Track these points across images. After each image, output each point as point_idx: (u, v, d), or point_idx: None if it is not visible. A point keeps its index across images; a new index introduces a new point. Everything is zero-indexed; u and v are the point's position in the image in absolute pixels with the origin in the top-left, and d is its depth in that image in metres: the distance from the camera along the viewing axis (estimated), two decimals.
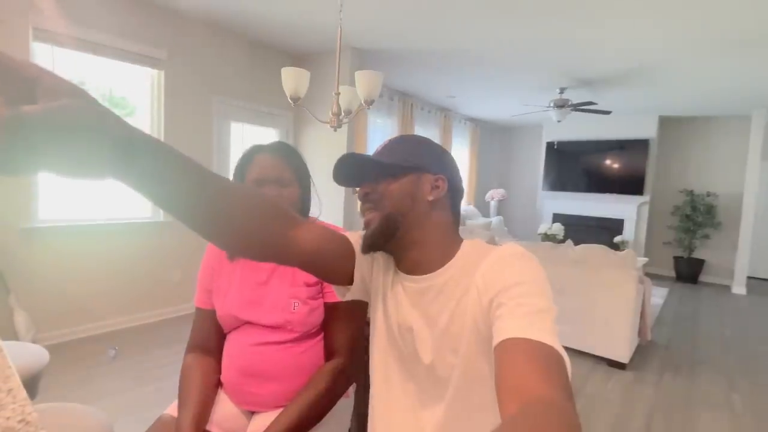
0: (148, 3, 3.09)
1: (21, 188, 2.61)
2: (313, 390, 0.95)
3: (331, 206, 4.02)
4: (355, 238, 0.78)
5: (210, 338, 1.05)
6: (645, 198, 6.13)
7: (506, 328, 0.55)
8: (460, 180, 0.77)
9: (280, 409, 0.96)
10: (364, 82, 1.82)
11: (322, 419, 0.96)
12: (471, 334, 0.65)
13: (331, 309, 1.03)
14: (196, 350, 1.05)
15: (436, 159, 0.74)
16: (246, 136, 3.94)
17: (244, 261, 1.05)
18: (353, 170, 0.74)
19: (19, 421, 0.59)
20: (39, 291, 2.70)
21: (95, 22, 2.84)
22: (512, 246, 0.68)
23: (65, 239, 2.82)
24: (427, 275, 0.71)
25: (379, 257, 0.79)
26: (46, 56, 2.69)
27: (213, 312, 1.05)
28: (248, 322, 1.01)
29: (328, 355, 1.03)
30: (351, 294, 0.79)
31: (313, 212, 1.10)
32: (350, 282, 0.77)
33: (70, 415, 0.95)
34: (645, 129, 6.10)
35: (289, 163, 1.03)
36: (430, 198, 0.71)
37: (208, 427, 0.97)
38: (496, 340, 0.55)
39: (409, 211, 0.70)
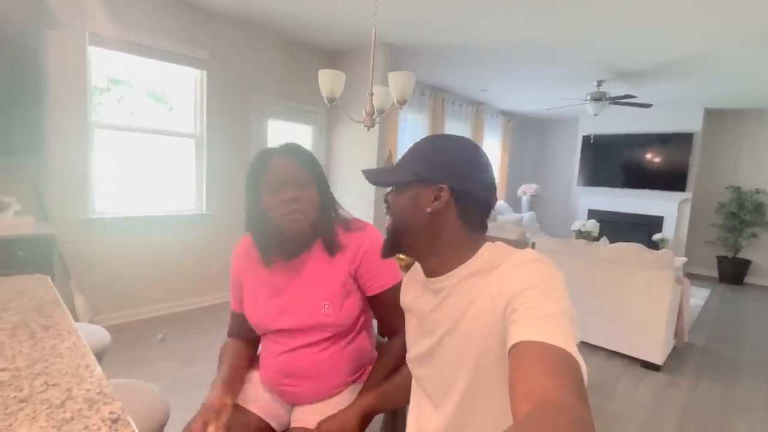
0: (192, 7, 3.25)
1: (80, 182, 2.84)
2: (384, 365, 1.03)
3: (362, 201, 4.11)
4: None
5: (246, 332, 1.14)
6: (687, 194, 5.86)
7: (519, 332, 0.55)
8: (477, 186, 0.73)
9: (321, 402, 1.02)
10: (397, 83, 1.87)
11: (403, 389, 0.99)
12: (481, 339, 0.67)
13: (376, 299, 1.06)
14: (234, 337, 1.17)
15: (446, 168, 0.73)
16: (282, 133, 4.08)
17: (269, 269, 1.07)
18: (376, 175, 0.82)
19: (98, 393, 0.70)
20: (95, 277, 2.93)
21: (144, 26, 3.01)
22: (528, 252, 0.69)
23: (119, 230, 3.04)
24: (440, 277, 0.75)
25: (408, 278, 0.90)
26: (101, 59, 2.89)
27: (244, 316, 1.11)
28: (279, 330, 1.03)
29: (389, 335, 1.10)
30: None
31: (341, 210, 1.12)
32: None
33: (132, 391, 1.07)
34: (689, 122, 5.82)
35: (303, 163, 1.01)
36: (429, 210, 0.72)
37: (247, 406, 1.04)
38: (509, 344, 0.56)
39: (409, 223, 0.74)
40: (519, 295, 0.60)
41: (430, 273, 0.76)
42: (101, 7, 2.80)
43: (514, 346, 0.54)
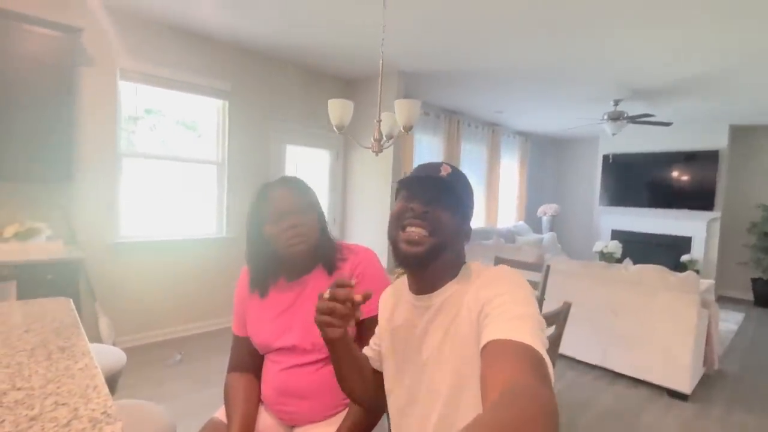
0: (216, 41, 3.44)
1: (107, 208, 2.98)
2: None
3: (374, 222, 4.15)
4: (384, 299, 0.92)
5: (248, 360, 1.14)
6: (716, 214, 5.66)
7: (490, 333, 0.60)
8: None
9: (319, 423, 1.04)
10: (403, 110, 1.93)
11: (377, 421, 1.03)
12: (461, 349, 0.71)
13: (361, 324, 1.06)
14: (237, 370, 1.15)
15: (472, 203, 0.83)
16: (300, 157, 4.19)
17: (272, 290, 1.12)
18: (429, 185, 0.77)
19: (102, 413, 0.73)
20: (120, 299, 3.04)
21: (170, 62, 3.20)
22: (501, 267, 0.75)
23: (143, 253, 3.17)
24: (428, 295, 0.79)
25: (384, 300, 0.91)
26: (130, 92, 3.08)
27: (247, 339, 1.14)
28: (280, 348, 1.08)
29: None
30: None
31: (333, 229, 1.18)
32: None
33: (140, 412, 1.11)
34: (713, 139, 5.66)
35: (301, 193, 1.08)
36: (465, 243, 0.81)
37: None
38: (482, 344, 0.60)
39: (450, 244, 0.77)
40: (490, 301, 0.66)
41: (420, 290, 0.80)
42: (130, 45, 3.01)
43: (486, 344, 0.59)
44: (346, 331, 0.79)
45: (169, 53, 3.20)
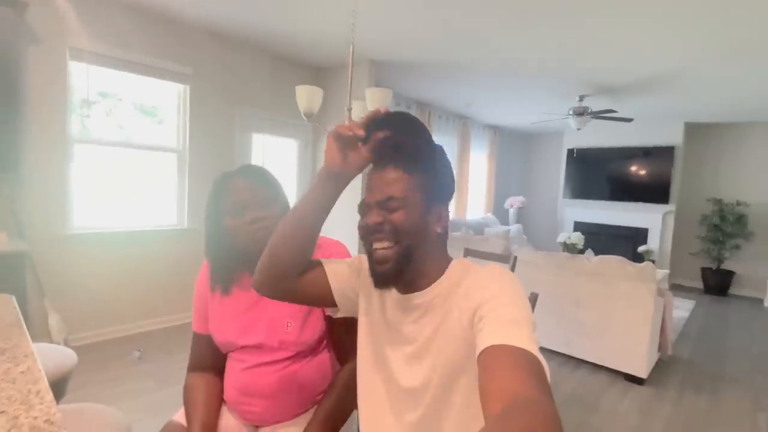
0: (176, 22, 3.26)
1: (58, 197, 2.79)
2: (335, 392, 1.00)
3: (345, 215, 4.10)
4: (355, 263, 0.84)
5: (209, 359, 1.08)
6: (671, 207, 5.96)
7: (488, 337, 0.58)
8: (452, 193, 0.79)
9: (286, 422, 1.01)
10: (374, 98, 1.89)
11: (348, 417, 1.00)
12: (449, 351, 0.69)
13: (332, 318, 1.05)
14: (197, 369, 1.09)
15: (445, 185, 0.76)
16: (267, 146, 4.07)
17: (236, 285, 1.06)
18: (377, 189, 0.72)
19: (45, 421, 0.67)
20: (71, 294, 2.86)
21: (125, 42, 3.01)
22: (492, 265, 0.72)
23: (97, 246, 2.99)
24: (416, 294, 0.75)
25: (365, 277, 0.82)
26: (81, 73, 2.87)
27: (209, 336, 1.08)
28: (244, 346, 1.03)
29: (342, 361, 1.07)
30: (341, 313, 0.85)
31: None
32: (335, 304, 0.83)
33: (91, 415, 1.03)
34: (670, 136, 5.95)
35: (264, 183, 1.02)
36: (439, 230, 0.74)
37: None
38: (479, 349, 0.58)
39: (420, 246, 0.72)
40: (485, 304, 0.64)
41: (406, 291, 0.76)
42: (81, 23, 2.80)
43: (483, 350, 0.57)
44: (345, 164, 0.72)
45: (125, 33, 3.00)
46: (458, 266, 0.76)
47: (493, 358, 0.55)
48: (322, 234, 1.09)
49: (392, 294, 0.78)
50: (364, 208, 0.75)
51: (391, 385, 0.77)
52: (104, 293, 3.02)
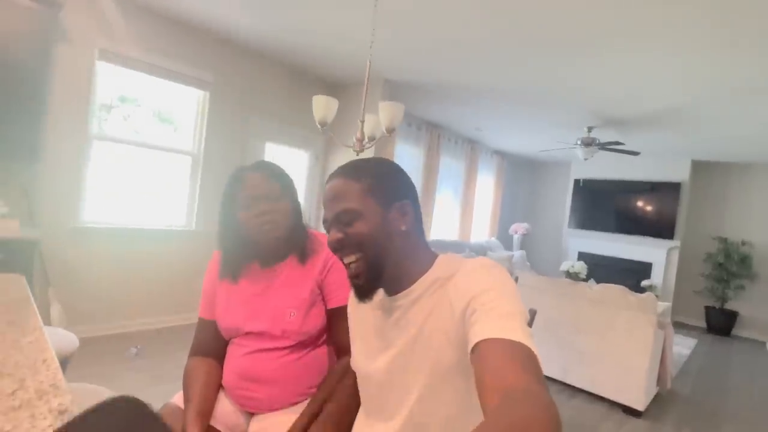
0: (201, 31, 3.39)
1: (72, 191, 2.86)
2: (328, 386, 1.00)
3: None
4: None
5: (211, 345, 1.11)
6: (675, 242, 5.94)
7: (482, 331, 0.58)
8: (415, 197, 0.78)
9: (277, 411, 1.02)
10: (387, 113, 1.95)
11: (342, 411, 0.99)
12: (438, 347, 0.69)
13: (332, 313, 1.07)
14: (199, 354, 1.11)
15: (399, 183, 0.76)
16: (279, 156, 4.15)
17: (245, 274, 1.10)
18: (330, 202, 0.74)
19: (51, 385, 0.70)
20: (75, 286, 2.90)
21: (153, 46, 3.13)
22: (481, 259, 0.72)
23: (106, 240, 3.04)
24: (402, 293, 0.75)
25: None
26: (108, 75, 2.98)
27: (214, 322, 1.11)
28: (248, 332, 1.05)
29: (340, 354, 1.08)
30: None
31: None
32: None
33: (94, 396, 1.05)
34: (677, 172, 5.98)
35: (276, 179, 1.07)
36: (404, 228, 0.73)
37: (211, 423, 1.02)
38: (472, 343, 0.58)
39: (386, 250, 0.71)
40: (478, 297, 0.63)
41: (391, 291, 0.76)
42: (112, 25, 2.92)
43: (478, 344, 0.57)
44: None
45: (152, 38, 3.13)
46: (445, 261, 0.75)
47: (490, 352, 0.55)
48: (321, 233, 1.12)
49: (379, 295, 0.78)
50: (325, 226, 0.76)
51: (380, 386, 0.77)
52: (108, 288, 3.06)
